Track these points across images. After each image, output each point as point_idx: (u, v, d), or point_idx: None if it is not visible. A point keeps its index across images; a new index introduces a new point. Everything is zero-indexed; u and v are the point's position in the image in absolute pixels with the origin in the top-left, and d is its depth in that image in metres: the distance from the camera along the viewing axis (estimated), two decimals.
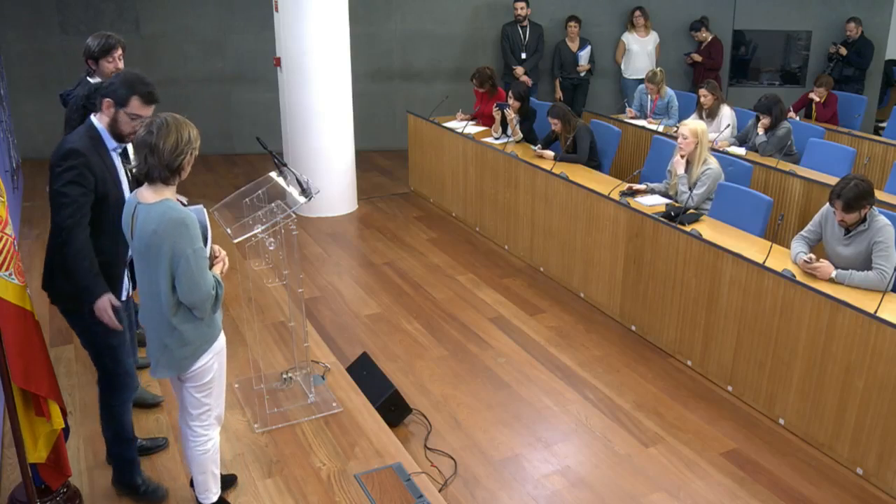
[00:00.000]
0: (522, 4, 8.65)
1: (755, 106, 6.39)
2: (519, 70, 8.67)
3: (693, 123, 5.25)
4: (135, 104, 2.98)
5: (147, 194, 2.73)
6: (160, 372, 2.89)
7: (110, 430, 3.28)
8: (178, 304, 2.78)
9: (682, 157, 5.25)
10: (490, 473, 3.79)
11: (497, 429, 4.14)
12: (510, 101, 6.81)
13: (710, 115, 6.81)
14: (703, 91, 6.78)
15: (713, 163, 5.21)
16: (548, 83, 9.29)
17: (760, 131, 6.36)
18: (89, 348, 3.20)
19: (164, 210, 2.68)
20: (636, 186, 5.41)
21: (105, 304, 2.99)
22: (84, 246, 2.93)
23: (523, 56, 8.78)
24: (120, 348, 3.18)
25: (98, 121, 3.04)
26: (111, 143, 3.06)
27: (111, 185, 3.03)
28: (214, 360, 2.94)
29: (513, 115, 6.74)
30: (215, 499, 3.17)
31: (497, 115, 6.93)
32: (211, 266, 2.87)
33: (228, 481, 3.39)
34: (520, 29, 8.73)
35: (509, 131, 6.88)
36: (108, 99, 2.99)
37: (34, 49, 8.37)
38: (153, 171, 2.69)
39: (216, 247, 3.00)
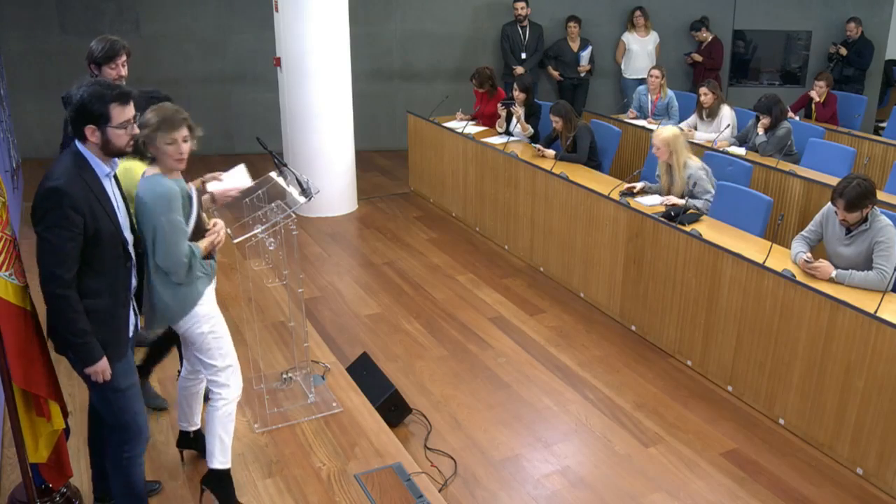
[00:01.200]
0: (522, 4, 8.65)
1: (755, 106, 6.39)
2: (519, 69, 8.67)
3: (663, 132, 5.22)
4: (116, 112, 2.66)
5: (148, 168, 3.01)
6: (149, 326, 3.13)
7: (120, 484, 3.01)
8: (157, 267, 3.00)
9: (662, 160, 5.29)
10: (490, 473, 3.79)
11: (497, 429, 4.14)
12: (515, 94, 6.83)
13: (711, 114, 6.81)
14: (703, 90, 6.78)
15: (693, 163, 5.21)
16: (547, 82, 9.30)
17: (760, 131, 6.36)
18: (97, 394, 2.90)
19: (151, 183, 2.95)
20: (637, 186, 5.41)
21: (99, 370, 2.74)
22: (72, 302, 2.64)
23: (523, 56, 8.78)
24: (131, 391, 2.90)
25: (85, 148, 2.70)
26: (102, 168, 2.73)
27: (103, 219, 2.70)
28: (201, 324, 3.10)
29: (520, 112, 6.77)
30: (219, 467, 3.24)
31: (503, 112, 6.93)
32: (202, 237, 3.09)
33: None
34: (519, 29, 8.73)
35: (513, 128, 6.89)
36: (89, 126, 2.65)
37: (34, 49, 8.37)
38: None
39: (217, 221, 3.20)
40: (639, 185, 5.40)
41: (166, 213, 2.92)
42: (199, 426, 3.53)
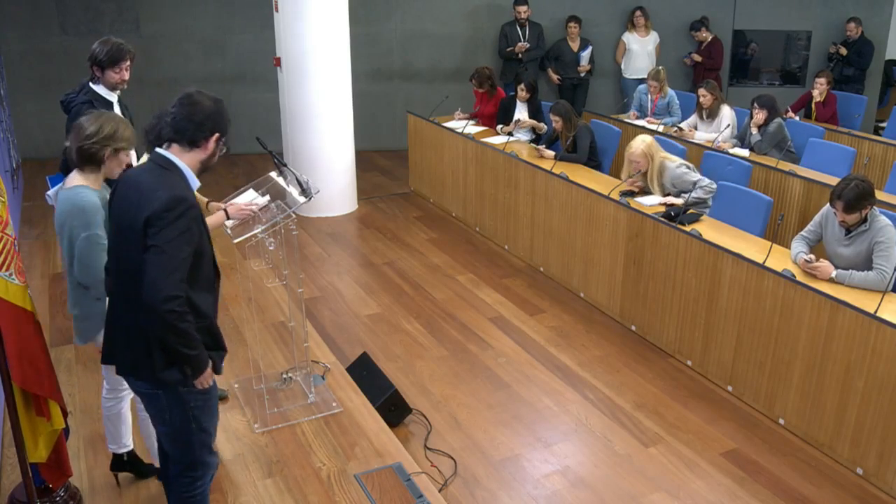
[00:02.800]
0: (524, 8, 8.65)
1: (755, 99, 6.37)
2: (520, 45, 8.63)
3: (639, 146, 5.24)
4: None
5: (71, 178, 2.97)
6: (75, 339, 3.13)
7: None
8: (77, 282, 2.99)
9: (639, 171, 5.32)
10: (490, 473, 3.79)
11: (497, 429, 4.14)
12: (520, 92, 6.85)
13: (711, 115, 6.81)
14: (701, 91, 6.78)
15: (671, 164, 5.23)
16: (546, 83, 9.30)
17: (754, 130, 6.37)
18: (177, 435, 2.69)
19: (73, 195, 2.90)
20: (637, 185, 5.40)
21: (209, 375, 2.63)
22: (188, 316, 2.46)
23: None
24: (214, 432, 2.80)
25: (182, 160, 2.54)
26: (196, 183, 2.58)
27: (206, 238, 2.58)
28: None
29: (526, 120, 6.83)
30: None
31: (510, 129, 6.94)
32: None
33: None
34: (518, 28, 8.73)
35: (514, 127, 6.91)
36: (216, 134, 2.55)
37: (34, 49, 8.37)
38: (69, 153, 2.92)
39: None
40: (640, 184, 5.40)
41: (86, 229, 2.86)
42: (130, 447, 3.42)
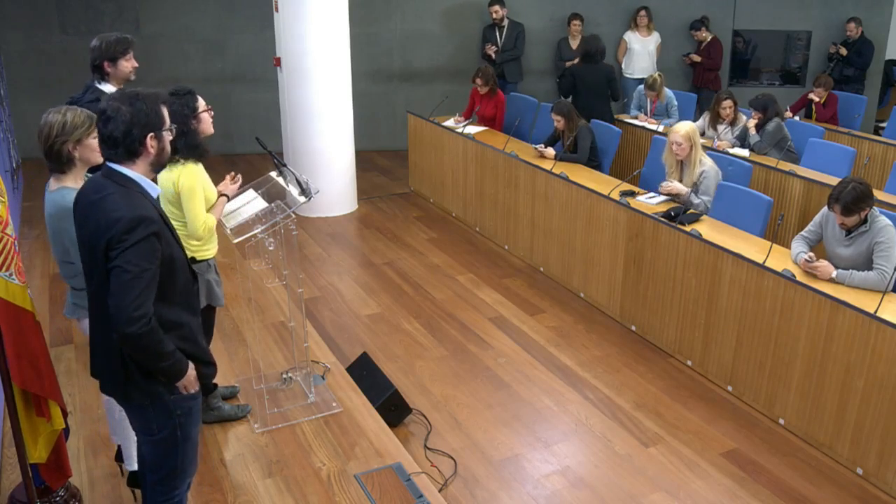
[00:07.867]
0: (496, 8, 8.59)
1: (750, 101, 6.38)
2: (490, 49, 8.58)
3: (683, 127, 5.18)
4: (165, 114, 2.51)
5: (53, 181, 2.97)
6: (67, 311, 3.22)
7: None
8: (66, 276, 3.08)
9: (678, 160, 5.23)
10: (490, 473, 3.79)
11: (497, 429, 4.14)
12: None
13: (731, 123, 6.73)
14: (727, 102, 6.57)
15: (708, 162, 5.19)
16: (545, 81, 9.30)
17: (753, 131, 6.37)
18: (161, 444, 2.62)
19: (56, 198, 2.91)
20: (641, 197, 5.33)
21: (191, 379, 2.58)
22: (157, 332, 2.40)
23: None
24: (197, 440, 2.74)
25: (132, 170, 2.45)
26: (155, 189, 2.50)
27: (175, 245, 2.52)
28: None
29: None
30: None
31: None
32: None
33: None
34: (497, 30, 8.69)
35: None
36: (150, 134, 2.42)
37: (34, 49, 8.38)
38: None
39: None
40: (650, 195, 5.29)
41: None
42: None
